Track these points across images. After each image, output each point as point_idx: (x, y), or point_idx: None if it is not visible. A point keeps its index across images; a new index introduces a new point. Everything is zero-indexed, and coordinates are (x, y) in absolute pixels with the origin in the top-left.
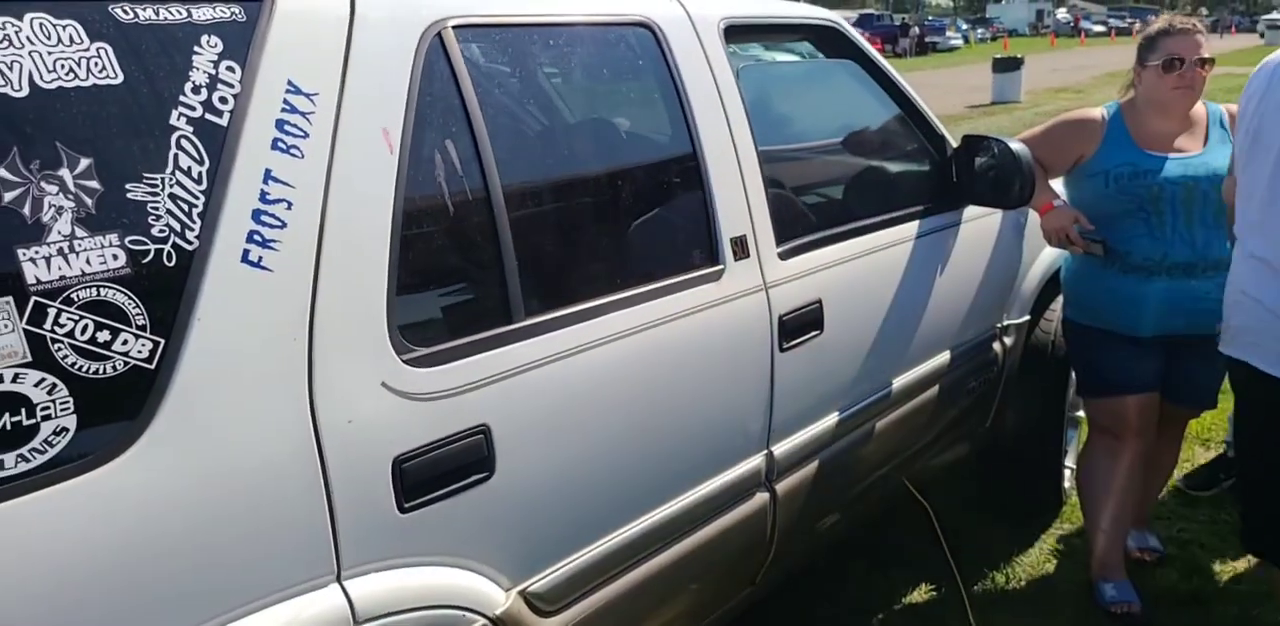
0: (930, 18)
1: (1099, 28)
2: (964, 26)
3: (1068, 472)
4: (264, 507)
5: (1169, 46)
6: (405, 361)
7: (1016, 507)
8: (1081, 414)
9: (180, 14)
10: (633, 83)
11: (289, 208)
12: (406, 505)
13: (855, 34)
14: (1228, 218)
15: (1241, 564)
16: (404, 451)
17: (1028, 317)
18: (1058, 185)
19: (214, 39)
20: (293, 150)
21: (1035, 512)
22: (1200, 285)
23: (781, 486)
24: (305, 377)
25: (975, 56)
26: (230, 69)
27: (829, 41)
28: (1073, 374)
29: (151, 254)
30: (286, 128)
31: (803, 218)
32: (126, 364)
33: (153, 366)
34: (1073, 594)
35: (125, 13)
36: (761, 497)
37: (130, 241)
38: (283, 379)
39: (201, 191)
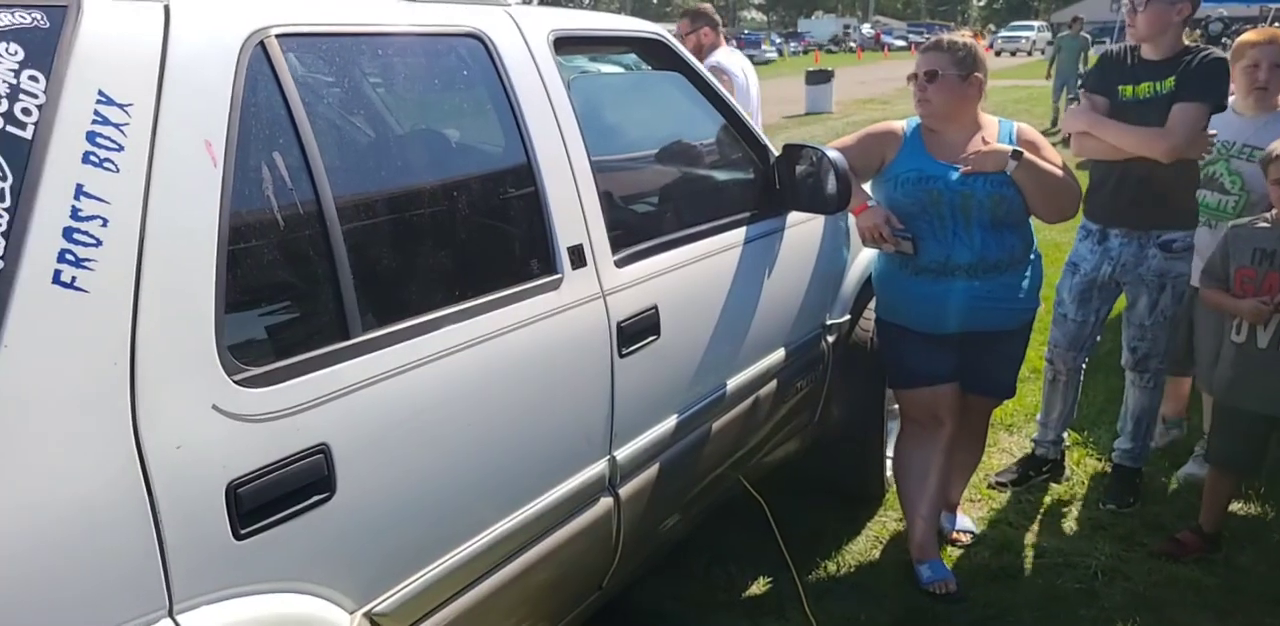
0: (745, 32)
1: (900, 42)
2: (777, 40)
3: (889, 462)
4: (87, 542)
5: (916, 63)
6: (237, 382)
7: (844, 498)
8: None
9: None
10: (465, 93)
11: (104, 225)
12: (242, 531)
13: (679, 46)
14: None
15: (1046, 539)
16: (239, 475)
17: (848, 317)
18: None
19: (14, 47)
20: (106, 164)
21: (861, 502)
22: (983, 285)
23: (625, 490)
24: (128, 403)
25: (789, 69)
26: (33, 78)
27: (655, 54)
28: None
29: None
30: (99, 140)
31: (637, 225)
32: None
33: None
34: (896, 577)
35: None
36: (606, 503)
37: None
38: (103, 406)
39: (5, 209)
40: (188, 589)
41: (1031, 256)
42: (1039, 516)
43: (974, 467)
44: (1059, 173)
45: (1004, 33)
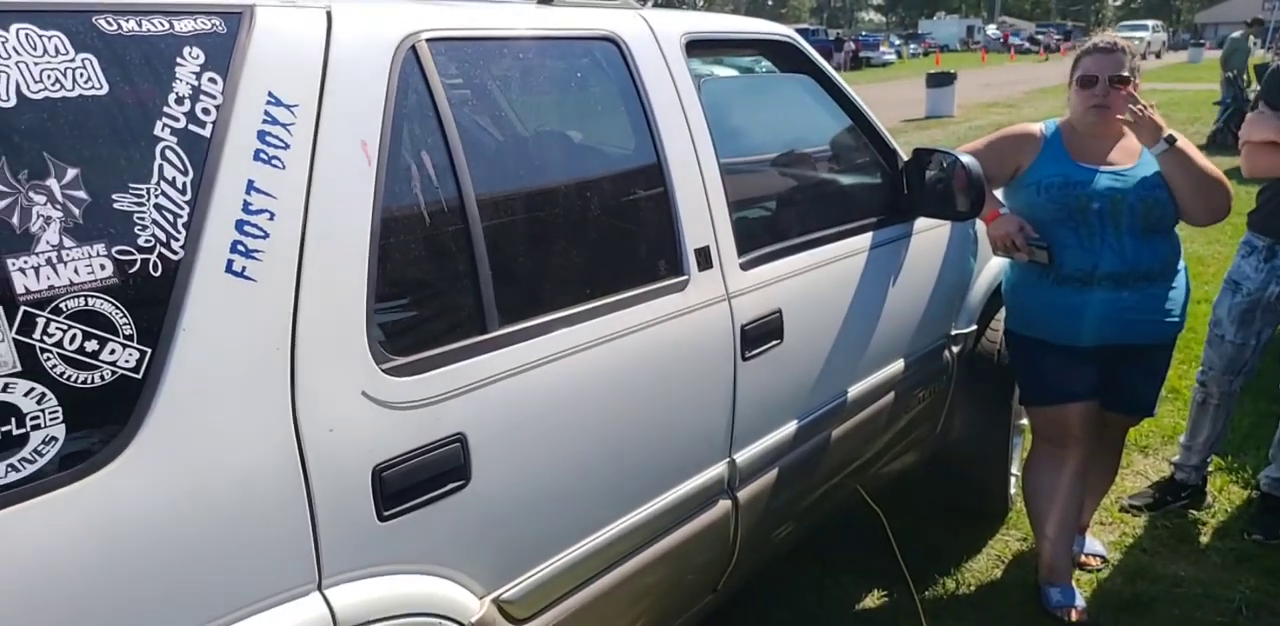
0: (864, 33)
1: (1029, 44)
2: (897, 42)
3: (1013, 479)
4: (248, 516)
5: (1086, 64)
6: (384, 370)
7: (964, 514)
8: (1025, 422)
9: (163, 26)
10: (600, 96)
11: (271, 218)
12: (386, 513)
13: (809, 48)
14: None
15: (1183, 568)
16: (384, 460)
17: (974, 327)
18: (1000, 196)
19: (196, 50)
20: (274, 161)
21: (982, 519)
22: (1131, 296)
23: (743, 494)
24: (288, 387)
25: (908, 71)
26: (212, 80)
27: (785, 56)
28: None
29: (138, 264)
30: (268, 139)
31: (762, 228)
32: (114, 373)
33: (140, 376)
34: (1019, 598)
35: (109, 24)
36: (724, 505)
37: (117, 251)
38: (266, 388)
39: (186, 202)
40: (335, 565)
41: (1180, 266)
42: (1176, 544)
43: (1107, 489)
44: (1210, 165)
45: (1129, 32)
